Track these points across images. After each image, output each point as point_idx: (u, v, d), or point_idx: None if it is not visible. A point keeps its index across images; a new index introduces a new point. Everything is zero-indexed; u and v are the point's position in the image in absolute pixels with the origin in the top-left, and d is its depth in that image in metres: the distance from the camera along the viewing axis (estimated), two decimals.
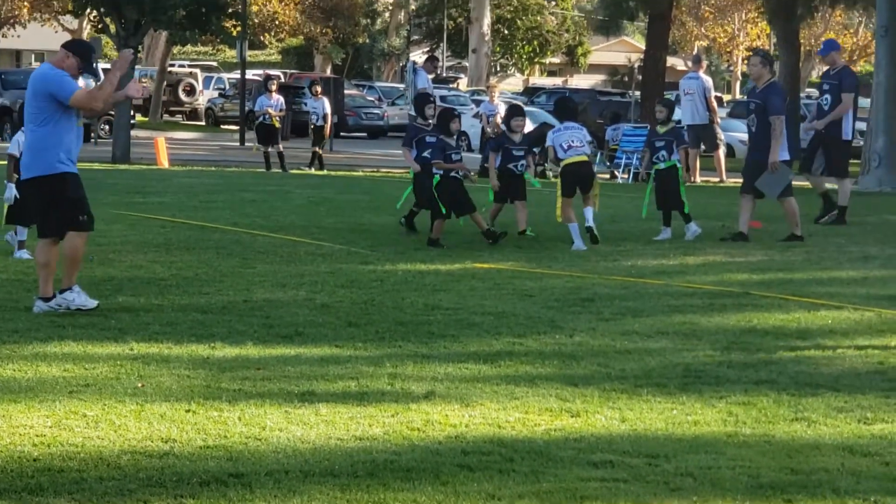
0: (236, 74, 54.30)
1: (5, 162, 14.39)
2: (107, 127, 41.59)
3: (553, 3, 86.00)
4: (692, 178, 27.19)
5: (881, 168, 27.26)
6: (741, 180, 17.11)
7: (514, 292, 12.39)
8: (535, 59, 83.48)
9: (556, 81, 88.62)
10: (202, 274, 13.08)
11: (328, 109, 31.69)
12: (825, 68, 18.70)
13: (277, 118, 29.97)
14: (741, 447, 7.36)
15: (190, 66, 68.07)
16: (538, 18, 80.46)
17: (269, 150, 30.00)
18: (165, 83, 58.30)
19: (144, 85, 11.76)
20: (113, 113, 36.48)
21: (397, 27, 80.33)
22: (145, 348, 9.54)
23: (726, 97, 69.48)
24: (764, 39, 68.75)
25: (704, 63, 30.54)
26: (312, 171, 30.43)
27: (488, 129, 26.19)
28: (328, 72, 68.79)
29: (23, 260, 13.47)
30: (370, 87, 63.54)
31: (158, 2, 33.21)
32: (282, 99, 30.68)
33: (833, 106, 18.02)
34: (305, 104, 41.41)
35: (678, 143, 16.99)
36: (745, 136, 23.45)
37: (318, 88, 32.57)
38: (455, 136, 16.06)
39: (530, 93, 57.31)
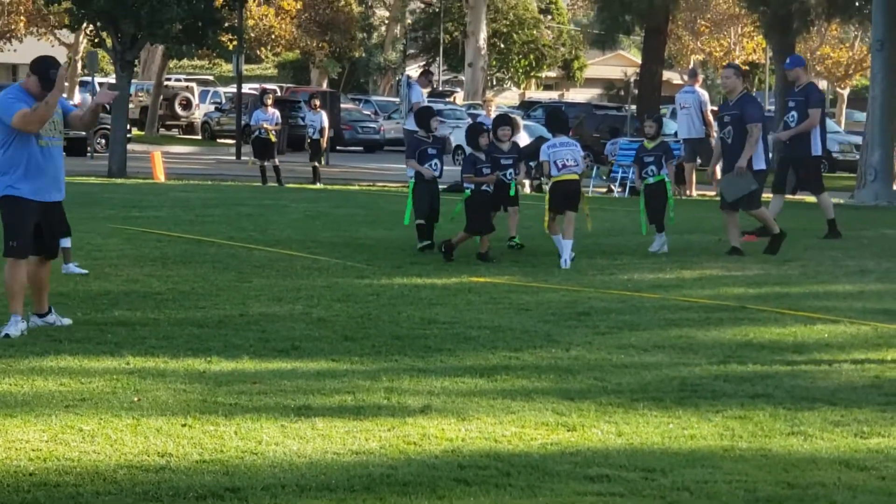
0: (233, 88, 54.34)
1: None
2: (103, 141, 41.56)
3: (549, 17, 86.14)
4: (689, 192, 27.25)
5: (877, 182, 27.32)
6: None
7: (511, 306, 12.39)
8: (532, 73, 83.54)
9: (553, 95, 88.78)
10: (198, 288, 13.08)
11: (326, 123, 31.74)
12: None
13: (273, 132, 29.97)
14: (737, 461, 7.36)
15: (186, 80, 68.03)
16: (534, 32, 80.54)
17: (266, 164, 30.01)
18: (162, 97, 58.29)
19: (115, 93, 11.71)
20: (109, 127, 36.57)
21: (393, 41, 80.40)
22: (142, 362, 9.54)
23: None
24: (760, 53, 68.80)
25: (700, 77, 30.63)
26: (318, 185, 30.38)
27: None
28: (324, 86, 68.89)
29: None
30: (366, 101, 63.58)
31: (155, 16, 33.22)
32: (278, 113, 30.68)
33: (800, 122, 18.01)
34: (302, 118, 41.46)
35: (667, 157, 17.01)
36: None
37: (317, 102, 32.60)
38: (483, 151, 15.95)
39: (527, 107, 57.37)
